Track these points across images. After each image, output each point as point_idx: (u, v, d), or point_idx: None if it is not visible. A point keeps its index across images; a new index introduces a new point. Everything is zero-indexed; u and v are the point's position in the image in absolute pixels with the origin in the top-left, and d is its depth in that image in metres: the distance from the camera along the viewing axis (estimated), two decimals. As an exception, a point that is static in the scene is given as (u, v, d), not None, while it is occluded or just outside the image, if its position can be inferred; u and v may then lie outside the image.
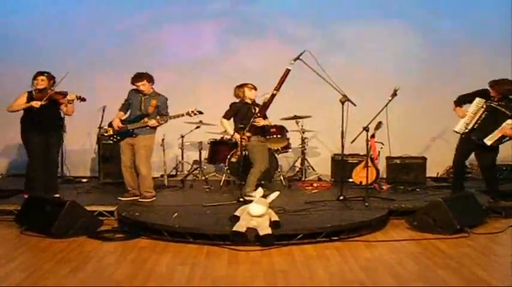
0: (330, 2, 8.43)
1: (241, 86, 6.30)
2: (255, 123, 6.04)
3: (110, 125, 6.24)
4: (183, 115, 6.09)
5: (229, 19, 8.51)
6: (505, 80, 5.88)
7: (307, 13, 8.39)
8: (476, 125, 5.95)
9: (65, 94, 6.10)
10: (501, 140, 5.86)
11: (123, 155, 6.17)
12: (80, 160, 8.36)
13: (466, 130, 6.02)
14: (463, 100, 6.12)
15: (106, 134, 6.30)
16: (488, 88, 5.94)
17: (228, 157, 7.15)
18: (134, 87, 6.13)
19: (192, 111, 6.05)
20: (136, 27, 8.39)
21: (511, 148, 7.62)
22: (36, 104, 5.90)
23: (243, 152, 6.21)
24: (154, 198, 6.19)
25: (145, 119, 6.05)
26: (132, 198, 6.15)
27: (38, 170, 6.05)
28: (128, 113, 6.27)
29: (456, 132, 6.13)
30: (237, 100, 6.33)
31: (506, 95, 5.87)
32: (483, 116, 5.91)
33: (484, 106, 5.92)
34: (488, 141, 5.87)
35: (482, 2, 8.29)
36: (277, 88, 5.94)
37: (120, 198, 6.14)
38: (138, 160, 6.07)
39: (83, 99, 6.21)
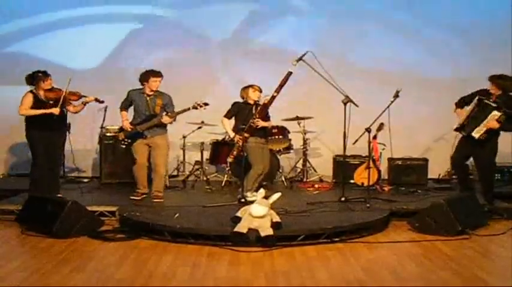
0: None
1: (246, 87, 6.27)
2: (253, 125, 6.04)
3: (121, 129, 6.17)
4: (189, 109, 6.02)
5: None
6: (506, 76, 5.85)
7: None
8: (467, 121, 5.90)
9: (78, 95, 6.12)
10: (489, 133, 5.77)
11: (138, 154, 6.10)
12: (81, 160, 8.35)
13: (458, 126, 6.01)
14: (463, 101, 6.09)
15: (119, 139, 6.16)
16: (488, 83, 5.88)
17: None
18: (134, 87, 6.10)
19: (198, 104, 6.00)
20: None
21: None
22: (56, 111, 5.92)
23: (243, 153, 6.17)
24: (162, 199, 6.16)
25: (155, 119, 6.01)
26: (142, 197, 6.14)
27: (45, 169, 6.04)
28: (131, 114, 6.21)
29: (454, 130, 6.12)
30: (241, 100, 6.33)
31: (506, 90, 5.82)
32: (474, 111, 5.85)
33: (476, 102, 5.86)
34: (476, 134, 5.80)
35: (483, 2, 8.28)
36: (278, 90, 5.94)
37: (133, 197, 6.10)
38: (159, 160, 6.07)
39: (102, 102, 6.27)
